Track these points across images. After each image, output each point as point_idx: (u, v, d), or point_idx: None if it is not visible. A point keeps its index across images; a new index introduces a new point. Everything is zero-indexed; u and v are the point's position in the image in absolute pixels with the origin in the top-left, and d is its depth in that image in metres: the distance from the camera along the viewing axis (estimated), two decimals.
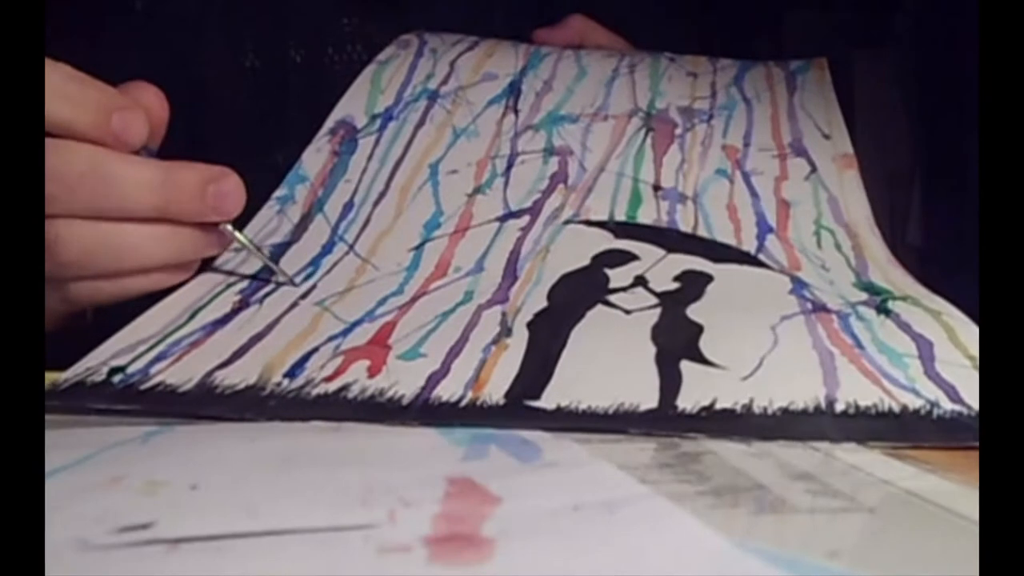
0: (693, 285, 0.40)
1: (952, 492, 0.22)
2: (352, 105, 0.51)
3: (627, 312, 0.37)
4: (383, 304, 0.38)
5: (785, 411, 0.29)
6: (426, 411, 0.30)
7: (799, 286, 0.40)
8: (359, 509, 0.18)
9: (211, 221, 0.38)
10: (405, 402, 0.30)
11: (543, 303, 0.38)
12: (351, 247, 0.43)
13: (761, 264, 0.43)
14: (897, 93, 0.80)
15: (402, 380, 0.31)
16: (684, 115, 0.54)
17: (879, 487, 0.23)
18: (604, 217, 0.46)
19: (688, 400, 0.30)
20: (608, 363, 0.33)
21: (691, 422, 0.29)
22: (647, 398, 0.30)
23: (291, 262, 0.41)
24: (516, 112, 0.53)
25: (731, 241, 0.45)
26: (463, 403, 0.30)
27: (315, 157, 0.48)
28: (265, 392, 0.31)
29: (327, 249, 0.43)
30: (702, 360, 0.33)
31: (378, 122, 0.51)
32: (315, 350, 0.33)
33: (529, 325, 0.36)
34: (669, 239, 0.44)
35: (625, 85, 0.56)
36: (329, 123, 0.50)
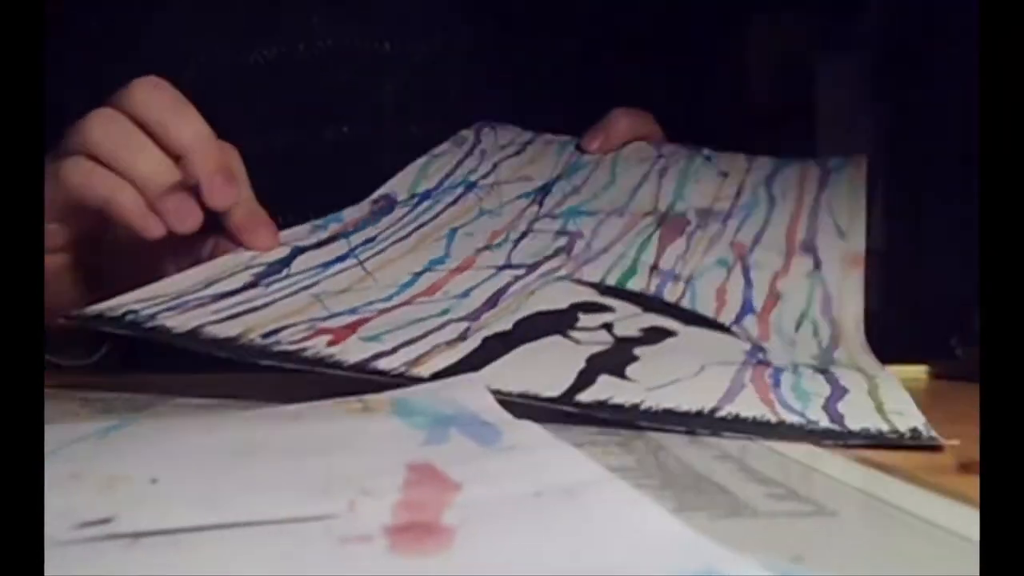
0: (654, 335, 0.41)
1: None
2: (397, 185, 0.54)
3: (578, 343, 0.39)
4: (369, 305, 0.40)
5: (667, 411, 0.31)
6: (358, 371, 0.33)
7: (754, 351, 0.41)
8: (320, 499, 0.18)
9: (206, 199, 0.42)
10: (345, 366, 0.33)
11: (507, 327, 0.39)
12: (361, 263, 0.45)
13: (730, 332, 0.44)
14: (858, 95, 0.80)
15: (352, 352, 0.34)
16: (700, 216, 0.55)
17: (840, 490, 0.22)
18: (596, 280, 0.47)
19: (588, 396, 0.32)
20: (535, 367, 0.35)
21: (583, 409, 0.31)
22: (553, 390, 0.32)
23: (303, 263, 0.44)
24: (540, 205, 0.55)
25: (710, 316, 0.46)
26: (393, 373, 0.33)
27: (353, 210, 0.51)
28: (239, 342, 0.34)
29: (340, 259, 0.45)
30: (620, 375, 0.35)
31: (416, 199, 0.53)
32: (294, 324, 0.36)
33: (485, 339, 0.38)
34: (649, 303, 0.45)
35: (650, 189, 0.57)
36: (373, 195, 0.53)
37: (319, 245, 0.46)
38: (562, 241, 0.51)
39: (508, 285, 0.45)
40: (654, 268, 0.49)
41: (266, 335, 0.35)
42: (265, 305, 0.39)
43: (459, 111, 0.62)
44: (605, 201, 0.56)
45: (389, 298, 0.42)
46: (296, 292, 0.41)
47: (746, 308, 0.46)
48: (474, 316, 0.41)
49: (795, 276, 0.50)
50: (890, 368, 0.40)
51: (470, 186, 0.56)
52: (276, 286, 0.41)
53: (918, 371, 0.49)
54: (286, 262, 0.43)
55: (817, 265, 0.51)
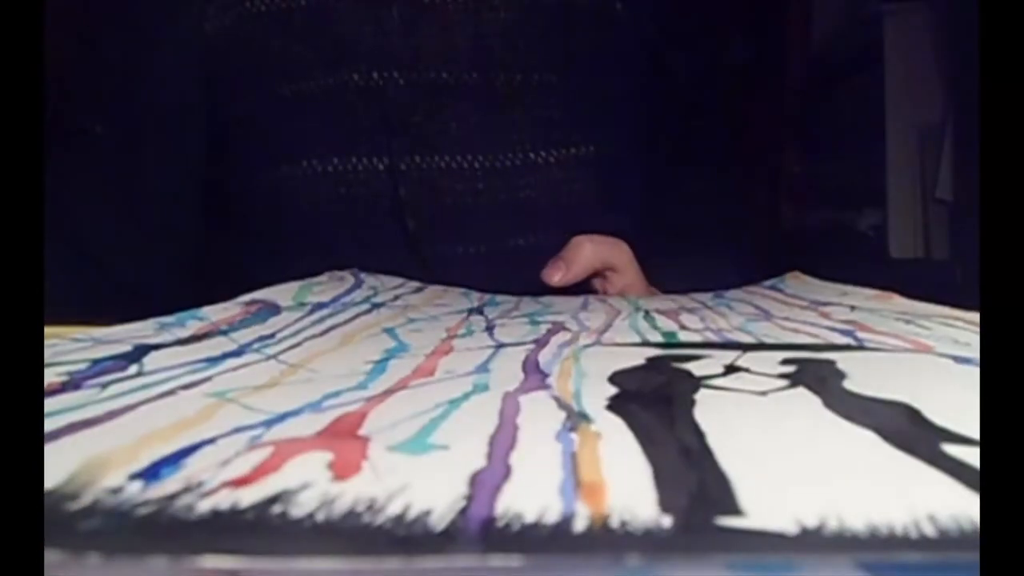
0: (819, 368, 0.26)
1: None
2: (274, 295, 0.40)
3: (761, 393, 0.23)
4: (335, 396, 0.23)
5: None
6: (498, 539, 0.13)
7: (962, 360, 0.27)
8: None
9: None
10: (440, 525, 0.13)
11: (612, 389, 0.24)
12: (272, 356, 0.29)
13: (878, 351, 0.29)
14: (927, 47, 0.78)
15: (412, 483, 0.15)
16: (686, 310, 0.43)
17: None
18: (636, 342, 0.32)
19: None
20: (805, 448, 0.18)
21: None
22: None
23: (159, 361, 0.27)
24: (484, 316, 0.41)
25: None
26: (579, 528, 0.13)
27: (216, 309, 0.36)
28: (76, 506, 0.14)
29: (233, 353, 0.29)
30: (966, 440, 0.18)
31: (309, 307, 0.39)
32: (210, 441, 0.18)
33: (612, 409, 0.21)
34: (737, 345, 0.31)
35: (600, 304, 0.47)
36: (240, 299, 0.39)
37: (184, 342, 0.30)
38: (547, 326, 0.37)
39: (531, 355, 0.30)
40: (684, 329, 0.35)
41: (149, 470, 0.16)
42: (110, 415, 0.20)
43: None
44: (557, 309, 0.44)
45: (363, 385, 0.25)
46: (169, 392, 0.23)
47: (845, 331, 0.33)
48: (535, 384, 0.25)
49: (844, 312, 0.38)
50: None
51: (377, 305, 0.43)
52: (118, 387, 0.23)
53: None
54: (130, 358, 0.27)
55: (852, 308, 0.39)
